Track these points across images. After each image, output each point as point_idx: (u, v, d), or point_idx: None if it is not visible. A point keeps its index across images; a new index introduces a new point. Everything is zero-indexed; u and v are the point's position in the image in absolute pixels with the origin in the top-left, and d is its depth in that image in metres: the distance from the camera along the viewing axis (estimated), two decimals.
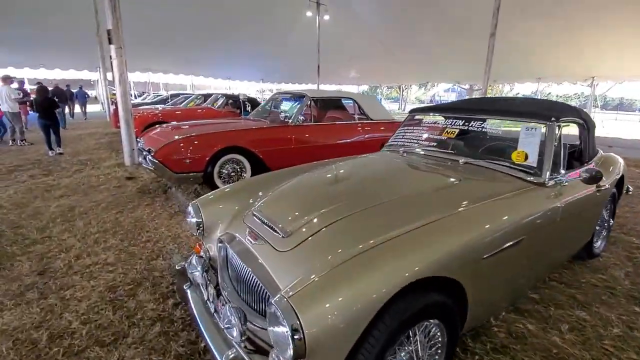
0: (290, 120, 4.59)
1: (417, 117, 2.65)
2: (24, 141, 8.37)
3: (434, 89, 47.12)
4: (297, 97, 5.00)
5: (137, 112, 7.30)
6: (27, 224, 3.38)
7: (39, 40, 15.12)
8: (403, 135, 2.61)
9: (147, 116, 7.19)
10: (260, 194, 1.95)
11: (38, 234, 3.15)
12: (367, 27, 19.45)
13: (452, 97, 47.61)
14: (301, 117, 4.58)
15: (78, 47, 15.49)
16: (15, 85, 9.43)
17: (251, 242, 1.51)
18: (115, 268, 2.54)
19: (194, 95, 10.47)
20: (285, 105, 4.92)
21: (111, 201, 4.06)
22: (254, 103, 8.15)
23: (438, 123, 2.36)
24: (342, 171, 2.17)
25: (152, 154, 3.80)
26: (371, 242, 1.27)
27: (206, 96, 9.80)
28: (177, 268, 1.87)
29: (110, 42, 5.56)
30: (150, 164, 3.90)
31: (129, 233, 3.16)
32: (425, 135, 2.38)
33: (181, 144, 3.81)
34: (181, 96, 12.49)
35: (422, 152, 2.28)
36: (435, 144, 2.28)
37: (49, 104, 7.07)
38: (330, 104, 5.36)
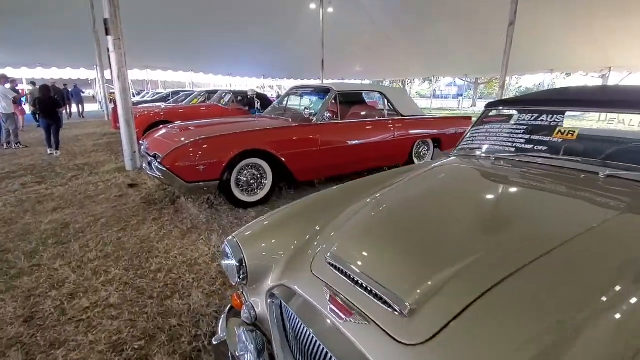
0: (314, 118, 4.02)
1: (502, 112, 2.08)
2: (18, 144, 7.81)
3: (437, 83, 46.43)
4: (321, 91, 4.43)
5: (138, 111, 6.72)
6: (15, 247, 2.82)
7: (34, 38, 14.52)
8: (485, 137, 2.04)
9: (148, 115, 6.61)
10: (317, 227, 1.38)
11: (26, 260, 2.59)
12: (372, 20, 18.80)
13: (454, 91, 46.90)
14: (327, 115, 4.01)
15: (74, 45, 14.90)
16: (8, 85, 9.16)
17: (337, 314, 0.95)
18: (120, 312, 1.98)
19: (196, 92, 9.87)
20: (308, 101, 4.34)
21: (112, 215, 3.49)
22: (263, 99, 7.57)
23: (542, 119, 1.77)
24: (434, 194, 1.56)
25: (159, 161, 3.22)
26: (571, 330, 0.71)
27: (210, 93, 9.21)
28: (214, 343, 1.30)
29: (107, 33, 4.97)
30: (156, 172, 3.33)
31: (135, 259, 2.60)
32: (524, 138, 1.80)
33: (193, 148, 3.24)
34: (182, 94, 11.90)
35: (526, 161, 1.70)
36: (544, 148, 1.70)
37: (52, 103, 6.93)
38: (356, 99, 4.79)
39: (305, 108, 3.98)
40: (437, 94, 45.74)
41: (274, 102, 5.22)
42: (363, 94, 4.91)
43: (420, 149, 5.23)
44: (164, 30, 16.16)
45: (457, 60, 21.65)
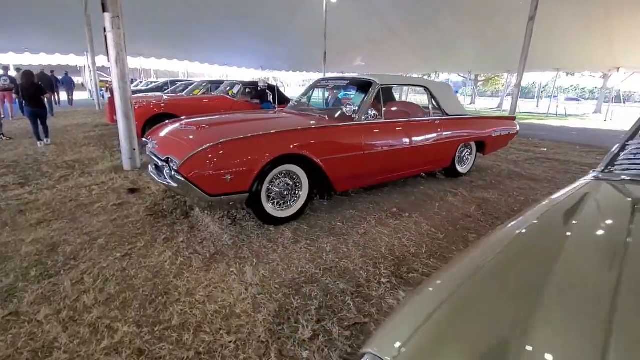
0: (356, 116, 3.36)
1: None
2: (1, 135, 6.98)
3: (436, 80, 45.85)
4: (360, 84, 3.76)
5: (136, 101, 5.95)
6: None
7: (21, 22, 13.49)
8: None
9: (148, 107, 5.85)
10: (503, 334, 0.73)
11: (0, 306, 1.91)
12: (377, 11, 18.04)
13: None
14: (372, 112, 3.35)
15: (64, 29, 13.93)
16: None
17: None
18: None
19: (197, 82, 9.07)
20: (345, 96, 3.67)
21: (112, 233, 2.80)
22: (274, 92, 6.86)
23: None
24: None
25: (176, 168, 2.53)
26: None
27: (213, 83, 8.44)
28: None
29: (104, 10, 4.21)
30: (169, 181, 2.65)
31: (148, 305, 1.93)
32: None
33: (217, 153, 2.56)
34: (181, 83, 11.07)
35: None
36: None
37: (37, 90, 6.30)
38: (396, 94, 4.12)
39: (348, 104, 3.31)
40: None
41: (297, 96, 4.53)
42: (405, 89, 4.26)
43: (463, 153, 4.61)
44: (158, 16, 15.24)
45: (461, 57, 21.08)
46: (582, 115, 22.20)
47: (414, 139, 3.76)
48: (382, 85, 3.60)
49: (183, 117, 3.93)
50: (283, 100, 6.94)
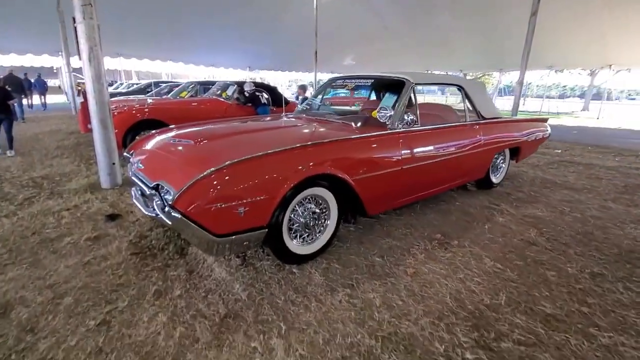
0: (390, 123, 2.73)
1: None
2: None
3: None
4: (390, 83, 3.14)
5: (116, 105, 5.20)
6: None
7: None
8: None
9: (130, 112, 5.09)
10: None
11: None
12: (368, 8, 17.51)
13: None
14: (408, 118, 2.72)
15: (36, 27, 12.88)
16: None
17: None
18: None
19: (185, 83, 8.30)
20: (388, 99, 3.04)
21: (83, 286, 2.09)
22: (272, 93, 6.18)
23: None
24: None
25: (171, 203, 1.84)
26: None
27: (202, 84, 7.70)
28: None
29: None
30: (161, 215, 1.96)
31: None
32: None
33: (229, 179, 1.88)
34: (166, 85, 10.26)
35: None
36: None
37: (4, 95, 5.62)
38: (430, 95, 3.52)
39: (381, 108, 2.68)
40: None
41: (309, 98, 3.89)
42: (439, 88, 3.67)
43: (498, 161, 4.05)
44: (139, 14, 14.32)
45: (454, 55, 20.77)
46: (571, 113, 22.21)
47: (453, 147, 3.16)
48: (416, 83, 2.99)
49: (173, 126, 3.23)
50: (279, 102, 6.27)
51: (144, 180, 2.18)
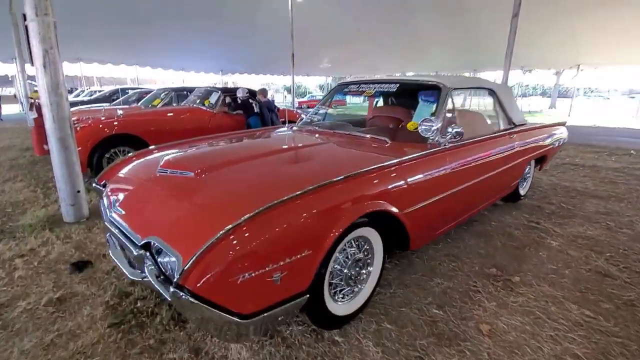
0: (434, 138, 2.23)
1: None
2: None
3: None
4: (421, 88, 2.64)
5: (78, 118, 4.41)
6: None
7: None
8: None
9: (96, 126, 4.30)
10: None
11: None
12: (344, 10, 17.17)
13: None
14: (454, 131, 2.23)
15: None
16: None
17: None
18: None
19: (158, 89, 7.50)
20: (423, 109, 2.53)
21: None
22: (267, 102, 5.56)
23: None
24: None
25: (178, 281, 1.22)
26: None
27: (179, 91, 6.95)
28: None
29: None
30: (161, 289, 1.34)
31: None
32: None
33: (257, 237, 1.28)
34: (134, 92, 9.36)
35: None
36: None
37: None
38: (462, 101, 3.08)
39: (425, 119, 2.16)
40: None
41: (315, 107, 3.34)
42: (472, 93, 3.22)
43: (526, 172, 3.67)
44: (101, 14, 13.19)
45: (429, 56, 20.87)
46: (540, 111, 22.94)
47: (496, 161, 2.72)
48: (454, 89, 2.52)
49: (153, 148, 2.58)
50: (270, 110, 5.67)
51: (128, 234, 1.54)
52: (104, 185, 2.19)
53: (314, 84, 43.83)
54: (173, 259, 1.30)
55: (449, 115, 2.53)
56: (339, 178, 1.59)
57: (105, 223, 1.73)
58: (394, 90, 2.74)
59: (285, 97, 35.39)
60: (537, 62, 19.27)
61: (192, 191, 1.61)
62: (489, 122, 3.03)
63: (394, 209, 1.77)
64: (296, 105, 18.26)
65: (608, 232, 2.97)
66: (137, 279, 1.52)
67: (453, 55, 19.85)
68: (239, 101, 5.34)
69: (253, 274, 1.25)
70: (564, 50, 17.44)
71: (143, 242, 1.41)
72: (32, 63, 2.99)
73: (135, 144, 4.44)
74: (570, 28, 15.69)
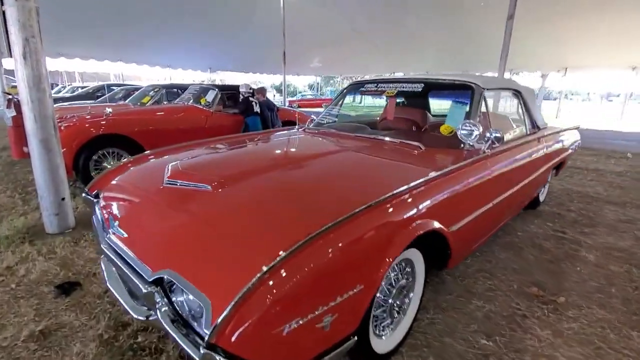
0: (473, 143, 2.00)
1: None
2: None
3: None
4: (453, 89, 2.42)
5: (61, 116, 4.02)
6: None
7: None
8: None
9: (82, 125, 3.93)
10: None
11: None
12: (335, 10, 16.95)
13: None
14: (493, 135, 2.00)
15: None
16: None
17: None
18: None
19: (147, 86, 7.08)
20: (456, 111, 2.29)
21: None
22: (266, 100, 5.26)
23: None
24: None
25: (211, 339, 0.93)
26: None
27: (170, 88, 6.58)
28: None
29: None
30: (180, 341, 1.05)
31: None
32: None
33: (304, 278, 1.01)
34: (121, 88, 8.90)
35: None
36: None
37: None
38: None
39: (465, 124, 1.93)
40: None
41: (326, 108, 3.08)
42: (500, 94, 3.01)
43: (548, 177, 3.50)
44: (84, 8, 12.59)
45: (421, 57, 20.84)
46: None
47: (529, 166, 2.53)
48: (486, 90, 2.30)
49: (149, 153, 2.27)
50: (270, 109, 5.37)
51: (134, 264, 1.24)
52: (96, 196, 1.88)
53: (303, 84, 43.52)
54: (194, 299, 1.02)
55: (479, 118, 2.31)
56: (388, 195, 1.33)
57: (102, 246, 1.43)
58: (420, 90, 2.50)
59: (275, 95, 34.95)
60: (525, 64, 19.47)
61: (212, 210, 1.32)
62: (514, 125, 2.83)
63: (442, 227, 1.54)
64: (287, 104, 17.89)
65: (639, 244, 2.81)
66: (142, 319, 1.23)
67: (444, 57, 19.88)
68: (241, 98, 5.02)
69: (301, 322, 0.98)
70: (551, 53, 17.65)
71: (155, 276, 1.12)
72: (10, 53, 2.64)
73: (125, 145, 4.10)
74: (558, 31, 15.86)
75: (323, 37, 18.78)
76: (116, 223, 1.46)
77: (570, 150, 3.61)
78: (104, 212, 1.66)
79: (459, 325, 1.82)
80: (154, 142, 4.25)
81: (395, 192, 1.37)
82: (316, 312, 1.02)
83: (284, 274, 0.96)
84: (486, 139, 2.00)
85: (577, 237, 2.90)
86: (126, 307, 1.29)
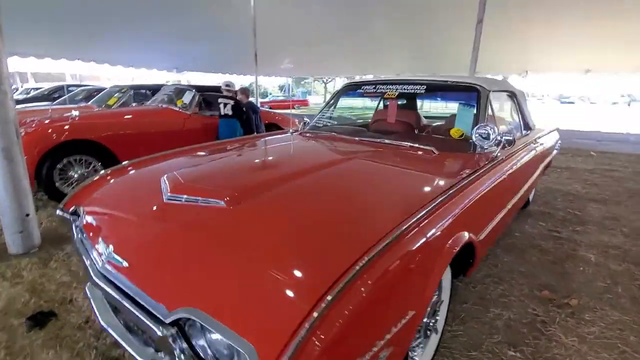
0: (487, 147, 1.94)
1: None
2: None
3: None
4: (458, 92, 2.36)
5: (21, 119, 3.60)
6: None
7: None
8: None
9: (44, 131, 3.53)
10: None
11: None
12: (305, 10, 16.81)
13: None
14: (505, 138, 1.95)
15: None
16: None
17: None
18: None
19: (112, 86, 6.60)
20: (464, 114, 2.22)
21: None
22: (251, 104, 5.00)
23: None
24: None
25: None
26: None
27: (138, 89, 6.17)
28: None
29: None
30: None
31: None
32: None
33: (361, 314, 0.86)
34: (82, 89, 8.29)
35: None
36: None
37: None
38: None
39: (481, 127, 1.85)
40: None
41: (321, 111, 2.94)
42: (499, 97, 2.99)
43: None
44: (39, 6, 11.63)
45: (390, 59, 21.16)
46: None
47: (532, 167, 2.53)
48: (492, 92, 2.27)
49: (126, 163, 2.02)
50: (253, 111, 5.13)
51: (144, 302, 1.03)
52: (74, 213, 1.63)
53: (274, 85, 43.03)
54: (226, 343, 0.85)
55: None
56: (426, 211, 1.21)
57: (94, 279, 1.20)
58: (422, 92, 2.42)
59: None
60: (490, 67, 20.29)
61: (230, 231, 1.14)
62: (511, 127, 2.83)
63: (473, 236, 1.45)
64: (258, 105, 17.50)
65: (630, 240, 2.90)
66: None
67: (413, 59, 20.29)
68: (224, 95, 4.67)
69: None
70: (513, 57, 18.44)
71: (173, 317, 0.93)
72: None
73: (94, 151, 3.75)
74: (521, 35, 16.53)
75: (294, 38, 18.59)
76: (109, 248, 1.23)
77: (555, 150, 3.70)
78: (90, 233, 1.42)
79: (482, 337, 1.74)
80: (126, 148, 3.91)
81: (431, 205, 1.26)
82: (374, 349, 0.88)
83: (337, 316, 0.81)
84: (498, 141, 1.95)
85: (572, 236, 2.95)
86: (130, 351, 1.09)
